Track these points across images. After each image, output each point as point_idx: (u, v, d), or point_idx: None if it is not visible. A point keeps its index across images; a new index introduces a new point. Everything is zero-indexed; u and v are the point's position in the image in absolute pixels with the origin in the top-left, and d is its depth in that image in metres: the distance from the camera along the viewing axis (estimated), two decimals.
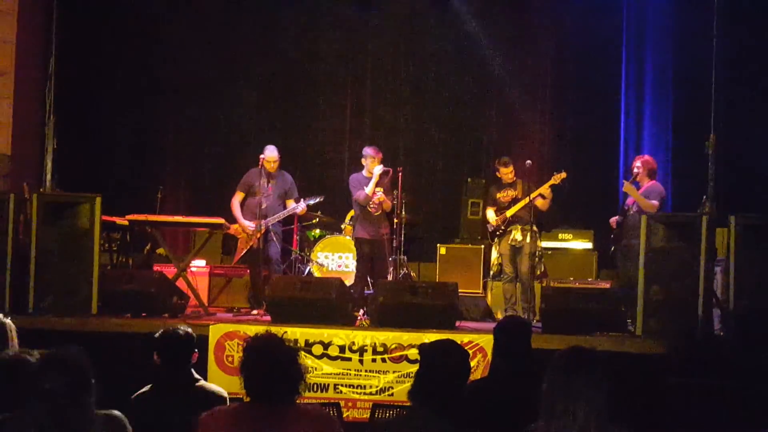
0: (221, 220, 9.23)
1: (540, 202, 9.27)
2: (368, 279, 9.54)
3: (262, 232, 9.25)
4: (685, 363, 7.02)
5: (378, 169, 9.39)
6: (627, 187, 8.98)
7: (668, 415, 6.32)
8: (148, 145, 12.52)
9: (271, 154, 9.45)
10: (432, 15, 12.44)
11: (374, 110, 12.69)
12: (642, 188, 9.02)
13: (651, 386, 6.66)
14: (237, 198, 9.59)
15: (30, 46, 10.74)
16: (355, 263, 10.22)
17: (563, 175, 9.32)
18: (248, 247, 9.39)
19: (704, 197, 7.82)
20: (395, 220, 9.85)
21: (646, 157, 9.40)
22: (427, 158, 12.51)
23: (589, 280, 10.21)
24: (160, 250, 9.94)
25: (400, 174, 9.95)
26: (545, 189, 9.27)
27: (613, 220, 9.23)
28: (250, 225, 9.33)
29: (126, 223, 9.47)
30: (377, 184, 9.39)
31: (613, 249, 9.36)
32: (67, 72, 9.47)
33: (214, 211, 10.32)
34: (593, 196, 11.11)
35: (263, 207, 9.32)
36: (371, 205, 9.37)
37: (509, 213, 9.30)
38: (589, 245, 10.85)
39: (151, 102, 12.46)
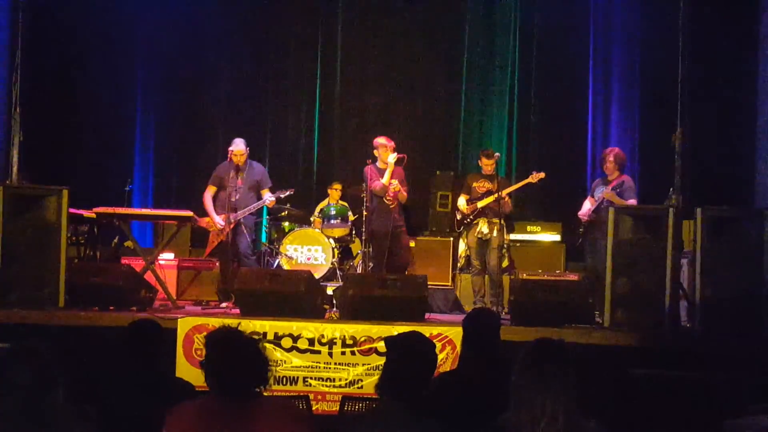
0: (190, 213, 9.19)
1: (505, 204, 9.32)
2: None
3: (232, 225, 9.22)
4: (651, 354, 7.09)
5: (392, 157, 9.41)
6: (609, 194, 8.96)
7: (634, 407, 6.36)
8: (116, 138, 12.42)
9: (237, 147, 9.42)
10: (402, 8, 12.46)
11: (343, 103, 12.68)
12: (613, 182, 9.08)
13: (618, 378, 6.71)
14: (208, 192, 9.56)
15: None
16: (324, 256, 10.24)
17: (542, 175, 9.39)
18: (219, 240, 9.36)
19: (671, 190, 7.89)
20: (364, 213, 9.86)
21: (617, 150, 9.44)
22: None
23: (557, 272, 10.27)
24: (128, 243, 9.88)
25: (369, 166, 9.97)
26: (518, 186, 9.35)
27: (584, 213, 9.26)
28: (219, 221, 9.30)
29: (93, 216, 9.40)
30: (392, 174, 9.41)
31: (580, 242, 9.43)
32: (33, 64, 9.37)
33: (182, 203, 10.30)
34: (561, 188, 11.15)
35: (233, 200, 9.30)
36: (387, 196, 9.37)
37: (480, 204, 9.33)
38: (557, 237, 10.92)
39: (118, 94, 12.40)
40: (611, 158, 9.16)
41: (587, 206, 9.30)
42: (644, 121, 11.55)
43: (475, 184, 9.46)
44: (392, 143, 9.55)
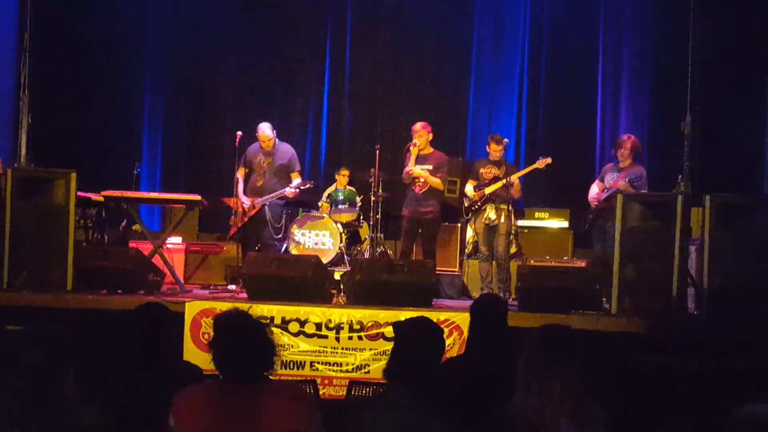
0: (197, 197, 9.19)
1: (514, 192, 9.31)
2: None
3: (255, 211, 9.31)
4: (658, 341, 7.09)
5: (412, 146, 9.43)
6: (624, 185, 8.88)
7: (641, 393, 6.37)
8: (124, 121, 12.44)
9: (262, 132, 9.54)
10: None
11: (351, 88, 12.66)
12: (625, 170, 9.03)
13: (625, 364, 6.71)
14: (239, 173, 9.70)
15: (3, 21, 10.63)
16: (332, 241, 10.25)
17: (548, 160, 9.35)
18: (242, 223, 9.42)
19: (680, 177, 7.86)
20: (372, 199, 9.87)
21: (634, 138, 9.34)
22: (404, 136, 12.49)
23: (565, 258, 10.27)
24: (136, 227, 9.90)
25: (377, 151, 9.96)
26: (525, 172, 9.33)
27: (594, 198, 9.20)
28: (245, 201, 9.44)
29: (101, 199, 9.42)
30: (421, 162, 9.40)
31: (588, 228, 9.41)
32: (42, 47, 9.37)
33: (190, 187, 10.32)
34: (569, 175, 11.11)
35: (258, 185, 9.45)
36: (415, 183, 9.36)
37: (488, 190, 9.30)
38: (564, 224, 10.90)
39: (127, 78, 12.40)
40: (628, 145, 9.07)
41: (595, 190, 9.26)
42: (654, 107, 11.52)
43: (482, 170, 9.42)
44: (422, 130, 9.46)
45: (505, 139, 9.46)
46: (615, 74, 11.97)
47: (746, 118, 10.63)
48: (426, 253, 9.42)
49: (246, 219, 9.49)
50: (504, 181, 9.13)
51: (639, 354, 6.83)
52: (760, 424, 4.15)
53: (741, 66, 10.74)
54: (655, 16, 11.46)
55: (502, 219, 9.19)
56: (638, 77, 11.81)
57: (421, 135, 9.41)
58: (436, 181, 9.31)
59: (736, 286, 7.55)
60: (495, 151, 9.39)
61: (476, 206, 9.39)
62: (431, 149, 9.52)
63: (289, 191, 9.47)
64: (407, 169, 9.41)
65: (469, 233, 9.80)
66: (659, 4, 11.30)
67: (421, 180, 9.34)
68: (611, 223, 8.39)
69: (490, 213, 9.26)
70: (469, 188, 9.49)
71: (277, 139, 9.69)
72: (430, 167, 9.35)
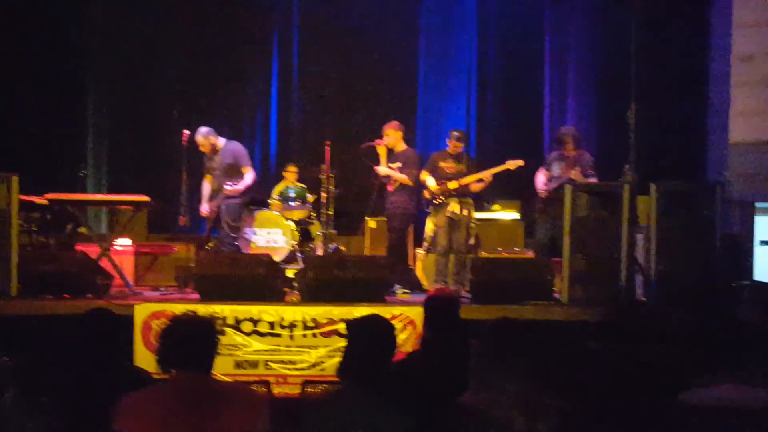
0: (146, 198, 9.06)
1: (478, 186, 9.30)
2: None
3: (213, 213, 9.43)
4: (608, 329, 7.15)
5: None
6: (577, 175, 8.91)
7: (593, 381, 6.42)
8: (68, 122, 12.24)
9: (196, 138, 9.45)
10: None
11: (300, 84, 12.62)
12: (571, 157, 9.09)
13: (576, 353, 6.76)
14: (205, 180, 9.72)
15: None
16: (284, 239, 10.21)
17: (520, 162, 9.25)
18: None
19: (626, 166, 7.95)
20: (323, 194, 9.85)
21: (573, 129, 9.48)
22: (354, 131, 12.48)
23: (516, 249, 10.32)
24: (83, 230, 9.76)
25: (327, 148, 9.94)
26: (495, 171, 9.29)
27: (543, 188, 9.23)
28: (203, 208, 9.63)
29: (46, 202, 9.25)
30: (391, 160, 9.40)
31: (536, 217, 9.44)
32: None
33: (138, 188, 10.19)
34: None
35: (214, 188, 9.57)
36: (388, 182, 9.37)
37: (452, 185, 9.22)
38: (516, 215, 10.96)
39: (70, 78, 12.21)
40: (570, 138, 9.15)
41: (542, 179, 9.29)
42: (600, 97, 11.64)
43: (442, 164, 9.28)
44: (388, 129, 9.47)
45: (463, 138, 9.45)
46: (561, 66, 12.09)
47: (690, 107, 10.79)
48: (389, 248, 9.43)
49: (209, 224, 9.52)
50: (482, 176, 9.14)
51: (590, 341, 6.89)
52: (708, 409, 4.20)
53: (684, 55, 10.89)
54: (599, 5, 11.58)
55: (465, 212, 9.18)
56: (584, 69, 11.94)
57: (388, 134, 9.43)
58: (402, 177, 9.28)
59: (682, 272, 7.68)
60: (455, 146, 9.33)
61: (438, 200, 9.29)
62: (403, 147, 9.50)
63: (226, 188, 9.43)
64: (376, 168, 9.44)
65: (428, 227, 9.71)
66: None
67: (392, 179, 9.35)
68: (561, 213, 8.48)
69: (455, 207, 9.17)
70: (431, 182, 9.36)
71: (222, 140, 9.62)
72: (400, 165, 9.35)
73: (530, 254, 9.65)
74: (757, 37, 9.86)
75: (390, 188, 9.41)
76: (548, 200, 9.18)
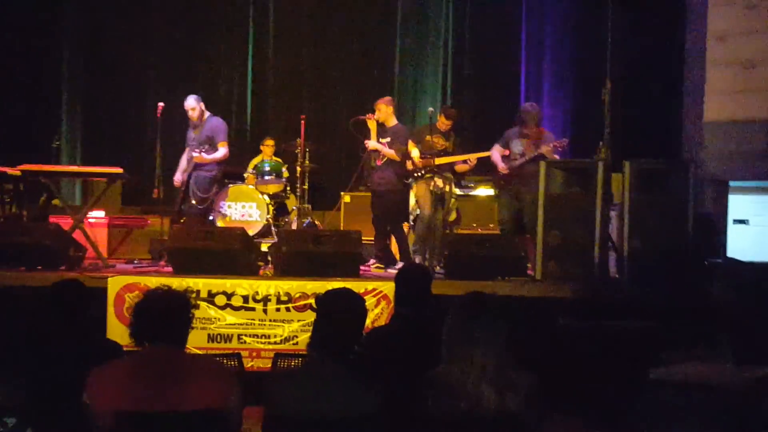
0: (119, 170, 9.00)
1: (463, 167, 9.31)
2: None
3: (183, 184, 9.42)
4: (581, 305, 7.22)
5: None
6: (548, 150, 8.88)
7: (564, 357, 6.48)
8: (42, 92, 12.14)
9: (186, 103, 9.42)
10: None
11: (276, 58, 12.58)
12: (532, 136, 9.04)
13: (548, 328, 6.82)
14: (185, 152, 9.63)
15: None
16: (258, 213, 10.19)
17: (506, 152, 9.24)
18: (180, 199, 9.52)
19: (600, 143, 7.98)
20: (298, 169, 9.83)
21: (536, 106, 9.39)
22: (330, 105, 12.48)
23: (491, 226, 10.35)
24: (56, 201, 9.70)
25: (303, 122, 9.92)
26: (481, 155, 9.24)
27: (505, 166, 9.16)
28: (176, 177, 9.53)
29: (18, 173, 9.17)
30: (381, 135, 9.32)
31: (498, 193, 9.43)
32: None
33: (112, 160, 10.14)
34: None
35: (188, 157, 9.38)
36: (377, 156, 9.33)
37: (438, 161, 9.12)
38: (491, 192, 10.96)
39: (44, 47, 12.10)
40: (533, 118, 9.07)
41: (497, 155, 9.20)
42: (575, 75, 11.66)
43: (428, 138, 9.19)
44: (380, 103, 9.39)
45: (453, 116, 9.43)
46: (538, 44, 12.10)
47: (665, 86, 10.83)
48: (391, 228, 9.42)
49: (180, 194, 9.46)
50: (469, 158, 9.14)
51: (562, 318, 6.94)
52: (676, 384, 4.25)
53: (659, 33, 10.93)
54: None
55: (447, 188, 9.17)
56: (560, 47, 11.94)
57: (379, 109, 9.33)
58: (390, 153, 9.21)
59: (655, 249, 7.73)
60: (443, 123, 9.29)
61: (420, 173, 9.27)
62: (394, 122, 9.41)
63: (195, 154, 9.38)
64: (366, 142, 9.41)
65: (412, 201, 9.68)
66: None
67: (380, 153, 9.31)
68: (527, 189, 8.61)
69: (438, 181, 9.14)
70: (415, 153, 9.30)
71: (208, 113, 9.58)
72: (388, 139, 9.31)
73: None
74: (731, 16, 9.88)
75: (378, 162, 9.37)
76: (510, 177, 9.07)
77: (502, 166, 9.08)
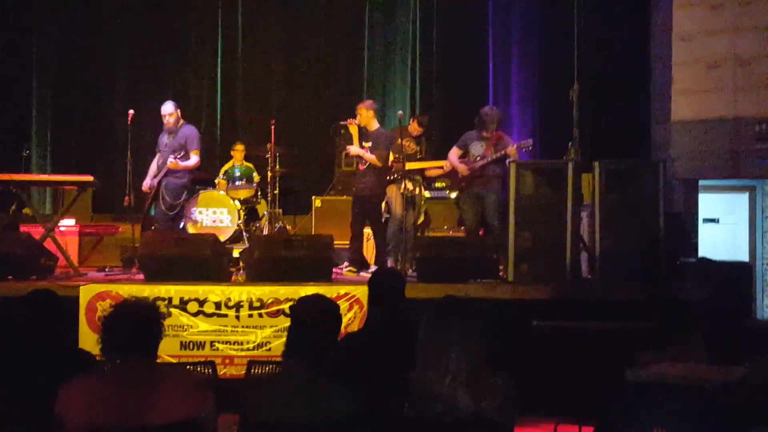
0: (90, 178, 8.95)
1: (435, 172, 9.37)
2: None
3: (153, 190, 9.34)
4: (554, 307, 7.25)
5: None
6: (513, 151, 8.89)
7: (539, 359, 6.51)
8: (10, 101, 12.04)
9: (163, 108, 9.41)
10: None
11: (245, 63, 12.55)
12: (492, 138, 9.05)
13: (522, 330, 6.85)
14: (156, 157, 9.59)
15: None
16: (229, 218, 10.15)
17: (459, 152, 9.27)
18: (147, 205, 9.52)
19: (569, 144, 8.03)
20: (268, 174, 9.82)
21: (497, 110, 9.36)
22: (300, 109, 12.46)
23: (462, 228, 10.35)
24: (27, 210, 9.63)
25: (272, 126, 9.91)
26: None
27: (466, 168, 9.10)
28: (145, 183, 9.48)
29: None
30: (364, 140, 9.25)
31: (459, 196, 9.42)
32: None
33: (82, 168, 10.09)
34: None
35: (159, 163, 9.36)
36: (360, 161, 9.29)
37: (410, 165, 9.15)
38: None
39: (11, 55, 12.00)
40: (494, 121, 9.05)
41: (454, 157, 9.14)
42: (543, 76, 11.72)
43: (400, 141, 9.21)
44: (361, 107, 9.32)
45: (425, 123, 9.53)
46: (505, 47, 12.15)
47: (632, 86, 10.91)
48: (373, 231, 9.39)
49: (149, 200, 9.42)
50: (442, 164, 9.26)
51: (535, 320, 6.97)
52: (652, 384, 4.28)
53: (626, 34, 11.01)
54: None
55: (417, 190, 9.21)
56: (528, 49, 12.00)
57: (360, 113, 9.27)
58: (371, 158, 9.14)
59: (626, 249, 7.78)
60: (415, 129, 9.45)
61: (392, 176, 9.29)
62: (375, 126, 9.32)
63: (170, 161, 9.34)
64: (347, 148, 9.39)
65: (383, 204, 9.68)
66: None
67: (363, 159, 9.28)
68: (488, 191, 8.75)
69: (408, 184, 9.16)
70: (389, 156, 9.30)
71: (182, 120, 9.55)
72: (370, 144, 9.27)
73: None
74: (696, 17, 9.99)
75: (361, 167, 9.34)
76: (471, 179, 9.03)
77: (462, 168, 9.07)
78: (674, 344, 4.71)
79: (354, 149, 9.29)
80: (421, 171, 9.28)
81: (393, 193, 9.28)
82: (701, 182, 9.65)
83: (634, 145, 10.71)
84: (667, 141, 10.09)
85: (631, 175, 8.06)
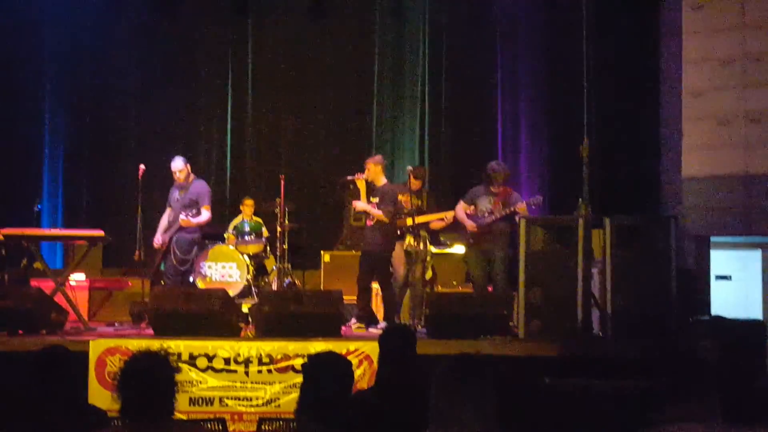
0: (100, 233, 8.99)
1: (439, 224, 9.37)
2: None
3: (164, 246, 9.42)
4: (565, 364, 7.18)
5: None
6: (523, 208, 8.82)
7: (550, 416, 6.44)
8: (22, 157, 12.12)
9: (173, 165, 9.47)
10: (312, 23, 12.44)
11: (255, 118, 12.62)
12: (499, 195, 9.05)
13: (533, 387, 6.78)
14: (166, 212, 9.65)
15: None
16: (238, 273, 10.15)
17: (470, 209, 9.24)
18: (158, 260, 9.56)
19: (579, 200, 8.01)
20: (278, 229, 9.82)
21: (504, 165, 9.36)
22: (308, 164, 12.50)
23: (470, 284, 10.30)
24: (38, 265, 9.64)
25: (282, 181, 9.93)
26: (453, 213, 9.27)
27: (474, 224, 9.02)
28: (156, 239, 9.51)
29: (1, 238, 9.14)
30: (371, 195, 9.28)
31: (467, 252, 9.37)
32: None
33: (93, 222, 10.12)
34: None
35: (170, 219, 9.45)
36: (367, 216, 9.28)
37: (410, 222, 9.08)
38: None
39: (24, 112, 12.11)
40: (501, 177, 9.02)
41: (462, 212, 9.13)
42: (553, 131, 11.75)
43: (401, 197, 9.22)
44: (369, 163, 9.34)
45: (423, 176, 9.49)
46: (513, 99, 12.20)
47: (642, 141, 10.93)
48: (381, 287, 9.35)
49: (159, 255, 9.50)
50: (443, 216, 9.26)
51: (547, 377, 6.91)
52: None
53: (636, 90, 11.06)
54: (549, 39, 11.76)
55: (421, 246, 9.16)
56: (537, 104, 12.05)
57: (368, 168, 9.28)
58: (378, 213, 9.12)
59: (638, 306, 7.73)
60: (414, 184, 9.29)
61: (397, 232, 9.27)
62: (383, 181, 9.35)
63: (181, 218, 9.38)
64: (354, 203, 9.39)
65: None
66: (553, 27, 11.60)
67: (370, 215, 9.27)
68: (496, 247, 8.77)
69: (411, 240, 9.15)
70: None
71: (193, 175, 9.62)
72: (377, 199, 9.26)
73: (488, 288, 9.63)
74: (706, 73, 10.04)
75: (369, 223, 9.33)
76: (479, 235, 9.00)
77: (470, 224, 9.05)
78: (687, 403, 4.65)
79: (361, 204, 9.30)
80: (426, 225, 9.23)
81: (397, 252, 9.26)
82: (713, 239, 9.60)
83: (645, 200, 10.69)
84: (678, 196, 10.08)
85: (642, 231, 8.04)
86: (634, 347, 7.45)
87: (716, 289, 9.47)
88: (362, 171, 9.32)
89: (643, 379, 6.51)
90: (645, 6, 11.13)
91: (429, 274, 9.48)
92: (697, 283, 8.91)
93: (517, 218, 8.55)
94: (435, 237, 10.18)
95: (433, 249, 10.17)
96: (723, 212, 9.64)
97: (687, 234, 9.48)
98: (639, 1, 11.21)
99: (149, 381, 3.51)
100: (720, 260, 9.68)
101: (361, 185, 9.31)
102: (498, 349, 7.46)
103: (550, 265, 7.98)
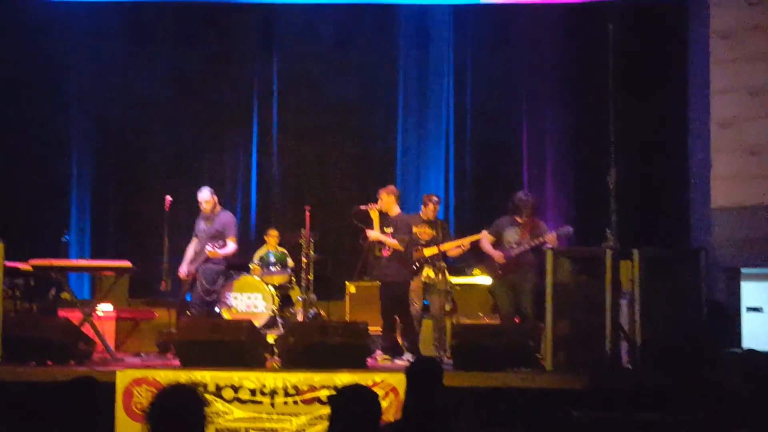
0: (128, 264, 9.05)
1: (456, 252, 9.33)
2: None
3: (190, 277, 9.52)
4: (594, 396, 7.11)
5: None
6: (552, 238, 8.81)
7: None
8: (51, 188, 12.24)
9: (200, 195, 9.56)
10: (337, 55, 12.50)
11: (280, 148, 12.66)
12: (525, 225, 9.01)
13: (563, 422, 6.71)
14: (192, 243, 9.74)
15: None
16: (264, 304, 10.15)
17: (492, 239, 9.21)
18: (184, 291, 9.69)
19: (607, 231, 7.96)
20: (303, 260, 9.83)
21: (532, 196, 9.31)
22: (334, 195, 12.50)
23: (497, 315, 10.25)
24: (65, 295, 9.70)
25: (307, 212, 9.94)
26: (473, 239, 9.24)
27: (500, 254, 9.02)
28: (182, 269, 9.62)
29: (30, 268, 9.19)
30: (385, 225, 9.31)
31: (494, 284, 9.32)
32: None
33: (120, 253, 10.17)
34: None
35: (196, 250, 9.60)
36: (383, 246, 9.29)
37: (427, 253, 9.10)
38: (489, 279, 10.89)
39: (52, 143, 12.24)
40: (529, 207, 9.01)
41: (488, 244, 9.12)
42: (579, 161, 11.71)
43: (416, 229, 9.23)
44: (382, 192, 9.41)
45: (438, 202, 9.43)
46: (539, 130, 12.18)
47: (671, 172, 10.87)
48: (401, 318, 9.30)
49: (185, 286, 9.64)
50: (460, 243, 9.22)
51: (575, 409, 6.84)
52: None
53: (663, 120, 11.02)
54: (575, 70, 11.75)
55: (440, 276, 9.09)
56: (563, 134, 12.02)
57: (382, 198, 9.32)
58: (393, 243, 9.15)
59: (668, 339, 7.66)
60: (430, 211, 9.25)
61: (414, 266, 9.23)
62: (397, 211, 9.38)
63: (208, 249, 9.42)
64: (368, 231, 9.38)
65: None
66: (578, 57, 11.59)
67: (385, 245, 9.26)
68: (524, 278, 8.76)
69: (429, 272, 9.11)
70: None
71: (219, 207, 9.70)
72: (392, 229, 9.27)
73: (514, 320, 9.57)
74: (734, 103, 10.00)
75: (385, 253, 9.32)
76: (507, 266, 8.97)
77: (498, 255, 9.01)
78: None
79: (374, 234, 9.30)
80: (443, 255, 9.16)
81: (415, 285, 9.18)
82: (744, 270, 9.49)
83: (673, 231, 10.63)
84: (708, 227, 10.01)
85: (671, 262, 7.99)
86: (664, 380, 7.37)
87: (747, 321, 9.35)
88: (375, 201, 9.33)
89: (673, 412, 6.44)
90: (672, 36, 11.11)
91: (448, 307, 9.41)
92: (727, 315, 8.81)
93: (545, 249, 8.50)
94: (457, 267, 10.16)
95: (453, 280, 10.12)
96: (753, 243, 9.55)
97: (717, 265, 9.39)
98: (666, 31, 11.19)
99: (180, 415, 3.50)
100: (751, 291, 9.57)
101: (375, 215, 9.33)
102: (525, 382, 7.40)
103: (578, 297, 7.94)
